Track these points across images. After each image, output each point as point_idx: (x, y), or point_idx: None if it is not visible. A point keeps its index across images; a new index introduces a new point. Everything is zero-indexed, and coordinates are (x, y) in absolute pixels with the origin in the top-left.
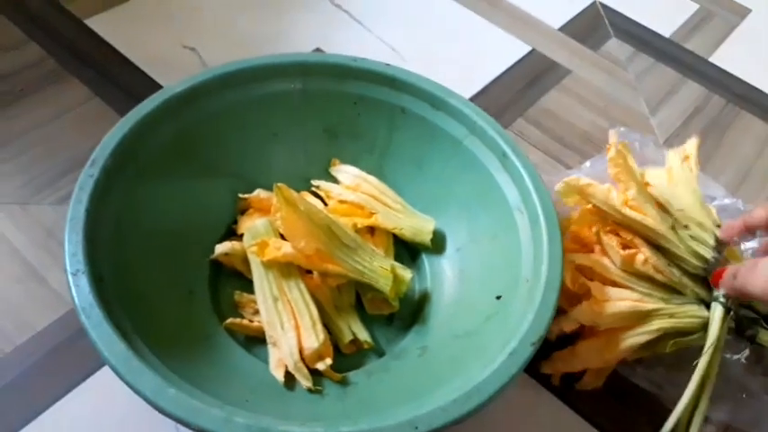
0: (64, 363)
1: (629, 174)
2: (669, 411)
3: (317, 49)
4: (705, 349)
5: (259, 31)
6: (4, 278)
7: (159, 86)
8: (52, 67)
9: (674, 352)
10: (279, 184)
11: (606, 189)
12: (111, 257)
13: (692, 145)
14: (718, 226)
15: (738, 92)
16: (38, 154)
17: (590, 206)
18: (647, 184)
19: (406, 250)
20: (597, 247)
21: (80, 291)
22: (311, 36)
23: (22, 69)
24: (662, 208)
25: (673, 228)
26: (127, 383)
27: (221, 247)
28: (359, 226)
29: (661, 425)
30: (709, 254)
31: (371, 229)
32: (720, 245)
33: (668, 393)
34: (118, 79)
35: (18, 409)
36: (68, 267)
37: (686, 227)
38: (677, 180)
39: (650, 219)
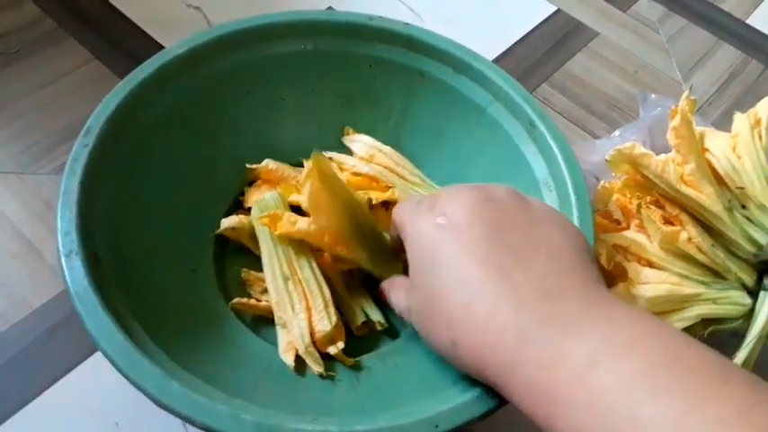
0: (62, 342)
1: (692, 147)
2: None
3: (330, 8)
4: (748, 340)
5: None
6: None
7: (162, 47)
8: (49, 27)
9: (703, 336)
10: (317, 153)
11: (663, 161)
12: (109, 235)
13: (765, 106)
14: None
15: None
16: (34, 120)
17: (637, 176)
18: (705, 149)
19: None
20: (634, 223)
21: (74, 274)
22: None
23: (17, 30)
24: (720, 182)
25: (729, 208)
26: (125, 376)
27: (228, 221)
28: (374, 200)
29: None
30: (764, 239)
31: (386, 204)
32: None
33: None
34: (118, 40)
35: (14, 390)
36: (61, 247)
37: (744, 207)
38: (742, 150)
39: (705, 197)
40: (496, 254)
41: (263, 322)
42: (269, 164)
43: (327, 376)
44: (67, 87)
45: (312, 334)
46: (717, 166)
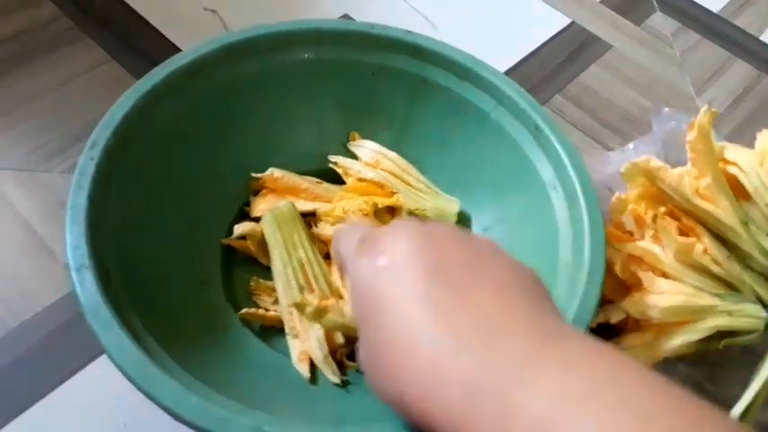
0: (72, 341)
1: (709, 161)
2: None
3: (345, 16)
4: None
5: None
6: (11, 249)
7: (178, 49)
8: (66, 26)
9: (717, 349)
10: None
11: (679, 175)
12: (118, 249)
13: None
14: None
15: None
16: (49, 119)
17: (653, 189)
18: (725, 161)
19: None
20: (648, 234)
21: (86, 289)
22: (339, 2)
23: (34, 28)
24: (739, 195)
25: (744, 222)
26: (144, 392)
27: (240, 228)
28: (379, 206)
29: None
30: None
31: (391, 210)
32: None
33: (709, 392)
34: (135, 41)
35: (22, 388)
36: (71, 262)
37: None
38: None
39: (721, 211)
40: (438, 292)
41: (271, 332)
42: (274, 172)
43: (344, 383)
44: (83, 86)
45: (330, 343)
46: (745, 181)
